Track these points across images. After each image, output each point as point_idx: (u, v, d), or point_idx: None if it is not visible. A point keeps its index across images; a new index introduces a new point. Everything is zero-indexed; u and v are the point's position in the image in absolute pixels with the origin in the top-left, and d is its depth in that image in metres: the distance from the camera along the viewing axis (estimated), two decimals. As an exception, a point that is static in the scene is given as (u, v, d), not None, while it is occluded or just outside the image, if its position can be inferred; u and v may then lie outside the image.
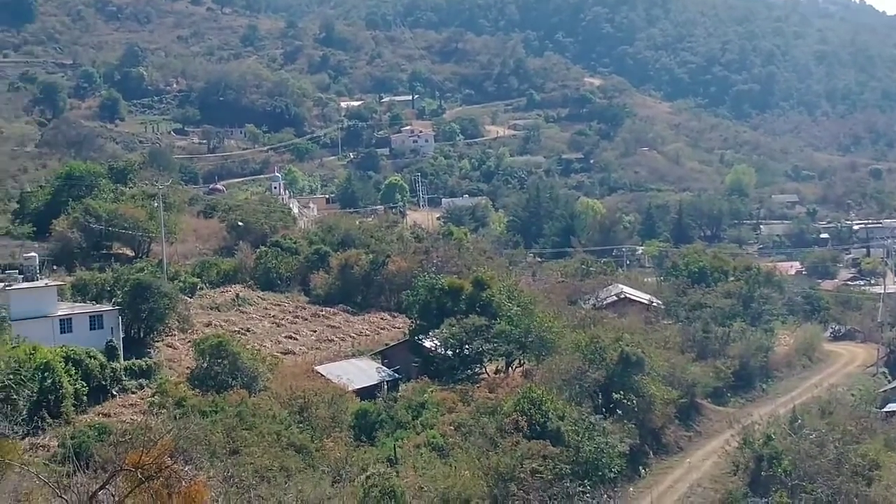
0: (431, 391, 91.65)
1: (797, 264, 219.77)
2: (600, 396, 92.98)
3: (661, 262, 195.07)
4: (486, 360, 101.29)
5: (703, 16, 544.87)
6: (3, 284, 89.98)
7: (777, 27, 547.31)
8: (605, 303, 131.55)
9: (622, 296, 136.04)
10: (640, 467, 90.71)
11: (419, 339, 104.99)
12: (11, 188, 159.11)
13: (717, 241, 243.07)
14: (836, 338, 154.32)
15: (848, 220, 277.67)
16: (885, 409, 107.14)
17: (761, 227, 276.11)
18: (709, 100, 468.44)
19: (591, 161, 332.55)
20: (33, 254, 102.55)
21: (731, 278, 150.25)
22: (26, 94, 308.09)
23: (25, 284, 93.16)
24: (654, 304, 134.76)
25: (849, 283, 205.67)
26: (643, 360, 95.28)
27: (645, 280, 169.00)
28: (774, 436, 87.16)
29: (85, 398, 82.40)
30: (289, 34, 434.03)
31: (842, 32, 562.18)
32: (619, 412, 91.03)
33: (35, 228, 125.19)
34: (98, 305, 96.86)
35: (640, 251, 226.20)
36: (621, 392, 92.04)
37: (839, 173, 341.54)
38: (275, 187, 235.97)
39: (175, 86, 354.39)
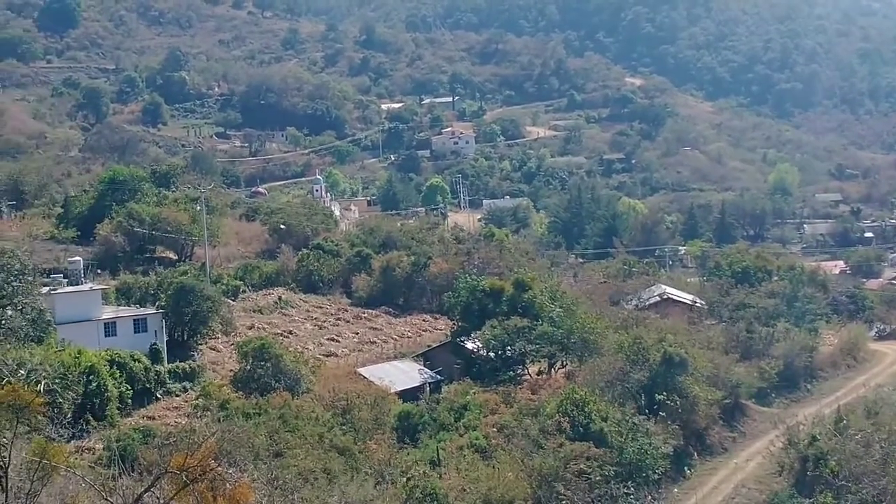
0: (474, 393, 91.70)
1: (841, 263, 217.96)
2: (643, 397, 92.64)
3: (704, 263, 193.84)
4: (528, 361, 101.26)
5: (745, 14, 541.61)
6: (48, 289, 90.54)
7: (819, 25, 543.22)
8: (647, 303, 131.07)
9: (665, 296, 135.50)
10: (685, 468, 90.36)
11: (461, 341, 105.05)
12: (56, 193, 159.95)
13: (761, 241, 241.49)
14: (881, 337, 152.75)
15: (892, 218, 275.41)
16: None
17: (805, 226, 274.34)
18: (751, 99, 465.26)
19: (633, 161, 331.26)
20: (78, 258, 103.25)
21: (775, 278, 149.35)
22: (70, 99, 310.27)
23: (70, 288, 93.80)
24: (698, 304, 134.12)
25: (893, 282, 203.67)
26: (686, 361, 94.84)
27: (688, 280, 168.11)
28: (820, 436, 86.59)
29: (129, 401, 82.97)
30: (329, 37, 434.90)
31: (885, 30, 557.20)
32: (663, 413, 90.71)
33: (79, 233, 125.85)
34: (142, 309, 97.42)
35: (682, 251, 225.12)
36: (664, 393, 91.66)
37: (883, 172, 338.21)
38: (316, 190, 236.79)
39: (217, 90, 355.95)
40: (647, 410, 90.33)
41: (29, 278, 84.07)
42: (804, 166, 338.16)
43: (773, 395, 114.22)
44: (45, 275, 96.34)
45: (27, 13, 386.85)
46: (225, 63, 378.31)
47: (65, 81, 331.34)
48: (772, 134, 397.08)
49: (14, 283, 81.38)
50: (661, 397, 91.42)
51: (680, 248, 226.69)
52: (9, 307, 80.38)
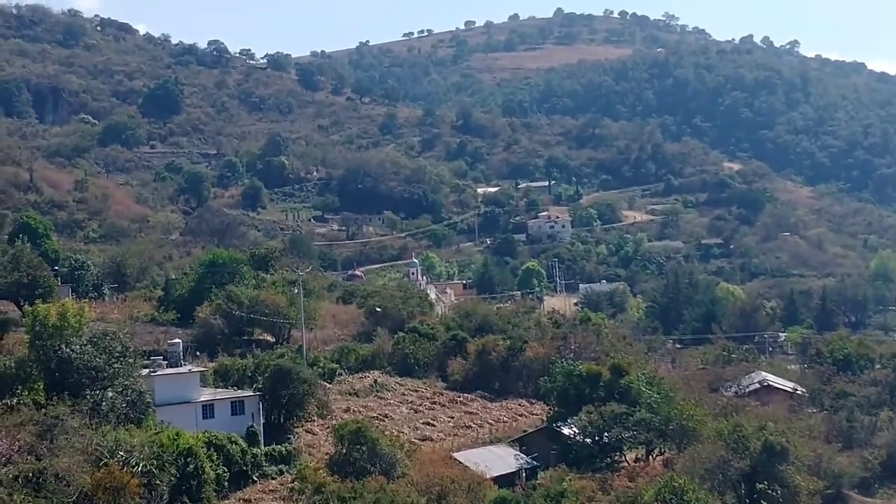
0: (570, 479, 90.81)
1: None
2: (743, 486, 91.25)
3: (805, 350, 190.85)
4: (625, 448, 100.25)
5: (845, 99, 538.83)
6: (148, 370, 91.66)
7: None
8: (747, 390, 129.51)
9: (765, 383, 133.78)
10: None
11: (557, 426, 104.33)
12: (157, 276, 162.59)
13: (862, 328, 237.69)
14: None
15: None
16: None
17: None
18: (851, 184, 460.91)
19: (731, 246, 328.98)
20: (177, 340, 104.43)
21: (878, 366, 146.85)
22: (172, 183, 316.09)
23: (170, 370, 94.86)
24: (798, 392, 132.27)
25: None
26: (788, 450, 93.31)
27: (788, 367, 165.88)
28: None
29: (226, 483, 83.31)
30: (426, 122, 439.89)
31: None
32: (764, 503, 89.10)
33: (179, 315, 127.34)
34: (239, 391, 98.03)
35: (782, 338, 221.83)
36: (765, 482, 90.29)
37: None
38: (412, 273, 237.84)
39: (315, 174, 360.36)
40: (747, 500, 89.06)
41: (130, 360, 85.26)
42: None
43: (877, 485, 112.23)
44: (145, 357, 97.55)
45: (132, 100, 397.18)
46: (323, 147, 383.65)
47: (167, 166, 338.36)
48: (873, 219, 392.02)
49: (115, 365, 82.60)
50: (761, 486, 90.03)
51: (780, 334, 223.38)
52: (109, 388, 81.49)
